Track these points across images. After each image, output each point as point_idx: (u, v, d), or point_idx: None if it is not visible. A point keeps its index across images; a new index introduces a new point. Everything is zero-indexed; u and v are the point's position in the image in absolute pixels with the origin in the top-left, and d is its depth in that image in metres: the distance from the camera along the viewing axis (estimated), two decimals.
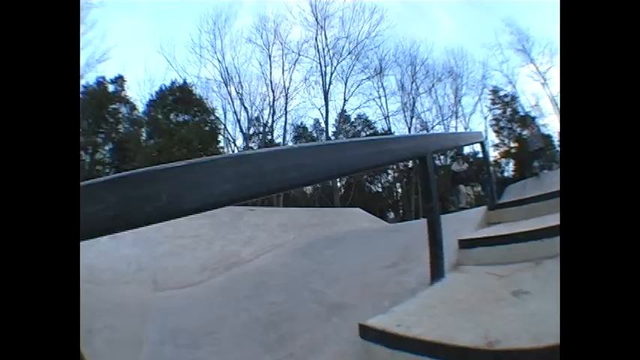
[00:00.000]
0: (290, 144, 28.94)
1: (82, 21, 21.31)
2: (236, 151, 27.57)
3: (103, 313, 3.23)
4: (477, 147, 6.52)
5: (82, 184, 1.22)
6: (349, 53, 28.94)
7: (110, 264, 4.66)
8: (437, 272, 2.64)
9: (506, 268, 2.51)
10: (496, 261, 2.72)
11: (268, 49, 28.62)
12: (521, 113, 29.07)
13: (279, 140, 28.87)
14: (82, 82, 25.21)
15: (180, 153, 23.94)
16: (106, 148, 27.89)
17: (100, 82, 27.50)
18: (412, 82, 29.90)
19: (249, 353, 2.63)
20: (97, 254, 4.74)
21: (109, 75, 27.81)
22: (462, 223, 3.97)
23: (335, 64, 28.92)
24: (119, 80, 28.36)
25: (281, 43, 28.74)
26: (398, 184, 32.64)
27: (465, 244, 3.07)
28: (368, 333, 2.01)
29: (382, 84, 29.83)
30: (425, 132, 26.40)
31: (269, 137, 28.92)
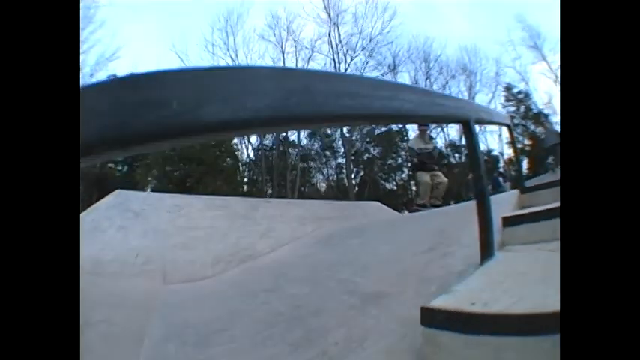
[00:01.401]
0: (305, 142, 28.76)
1: (91, 20, 21.51)
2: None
3: (102, 305, 2.93)
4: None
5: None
6: (363, 49, 28.83)
7: (117, 256, 4.42)
8: (487, 250, 2.32)
9: (554, 245, 2.23)
10: (541, 238, 2.45)
11: (281, 46, 28.62)
12: (535, 111, 28.70)
13: (294, 138, 28.70)
14: (93, 80, 25.43)
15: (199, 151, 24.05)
16: None
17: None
18: (426, 79, 29.79)
19: (271, 352, 2.18)
20: (103, 246, 4.55)
21: (121, 73, 27.85)
22: (497, 206, 3.57)
23: (349, 61, 28.86)
24: None
25: (294, 40, 28.73)
26: (412, 182, 32.25)
27: (510, 221, 2.80)
28: (435, 317, 1.56)
29: (396, 80, 29.54)
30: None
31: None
